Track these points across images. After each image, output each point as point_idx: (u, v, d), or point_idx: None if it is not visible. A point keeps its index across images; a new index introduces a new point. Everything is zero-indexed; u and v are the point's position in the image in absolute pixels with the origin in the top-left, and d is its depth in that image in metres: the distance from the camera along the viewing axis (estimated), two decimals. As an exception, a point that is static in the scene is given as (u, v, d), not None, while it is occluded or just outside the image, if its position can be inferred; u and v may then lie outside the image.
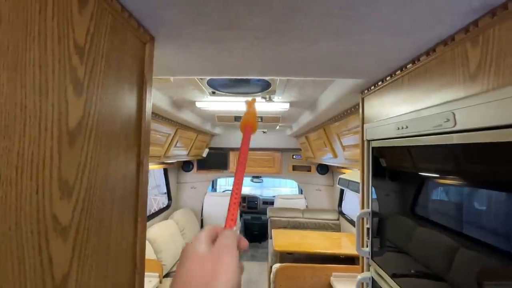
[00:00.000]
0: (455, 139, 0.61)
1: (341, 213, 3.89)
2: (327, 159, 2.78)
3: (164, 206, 4.03)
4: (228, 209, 0.38)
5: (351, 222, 3.39)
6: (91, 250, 0.48)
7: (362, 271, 1.17)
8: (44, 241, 0.37)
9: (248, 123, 0.49)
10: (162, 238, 2.96)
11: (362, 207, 1.19)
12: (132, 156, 0.64)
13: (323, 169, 4.35)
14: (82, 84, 0.44)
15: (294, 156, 4.46)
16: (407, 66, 0.83)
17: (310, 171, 4.45)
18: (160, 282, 2.33)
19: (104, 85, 0.50)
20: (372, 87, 1.10)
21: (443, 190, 0.72)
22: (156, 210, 3.81)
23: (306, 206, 4.47)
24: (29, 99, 0.35)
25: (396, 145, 0.89)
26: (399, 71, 0.88)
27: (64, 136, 0.41)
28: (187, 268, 0.31)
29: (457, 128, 0.60)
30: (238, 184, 0.40)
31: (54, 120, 0.39)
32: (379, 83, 1.03)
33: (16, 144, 0.33)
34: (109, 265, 0.54)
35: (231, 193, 0.40)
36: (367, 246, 1.11)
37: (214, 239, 0.34)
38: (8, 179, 0.32)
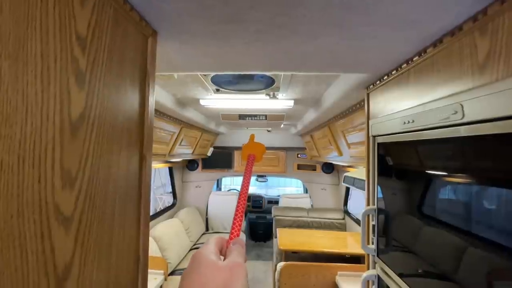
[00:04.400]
0: (463, 131, 0.60)
1: (346, 212, 3.86)
2: (332, 157, 2.76)
3: (170, 205, 4.05)
4: (233, 223, 0.43)
5: (357, 221, 3.35)
6: (94, 241, 0.48)
7: (368, 269, 1.16)
8: (47, 230, 0.38)
9: (252, 152, 0.56)
10: (167, 236, 2.98)
11: (368, 205, 1.17)
12: (135, 150, 0.64)
13: (329, 168, 4.32)
14: (84, 75, 0.44)
15: (299, 155, 4.45)
16: (413, 59, 0.82)
17: (315, 170, 4.42)
18: (165, 279, 2.35)
19: (106, 78, 0.51)
20: (378, 82, 1.08)
21: (451, 188, 0.70)
22: (162, 209, 3.83)
23: (311, 205, 4.45)
24: (30, 88, 0.35)
25: (402, 140, 0.87)
26: (405, 65, 0.87)
27: (66, 127, 0.41)
28: (204, 273, 0.34)
29: (465, 120, 0.59)
30: (242, 202, 0.46)
31: (56, 110, 0.39)
32: (385, 77, 1.02)
33: (18, 132, 0.33)
34: (112, 258, 0.54)
35: (236, 209, 0.45)
36: (372, 244, 1.10)
37: (221, 251, 0.39)
38: (10, 167, 0.32)
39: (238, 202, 0.46)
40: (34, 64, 0.36)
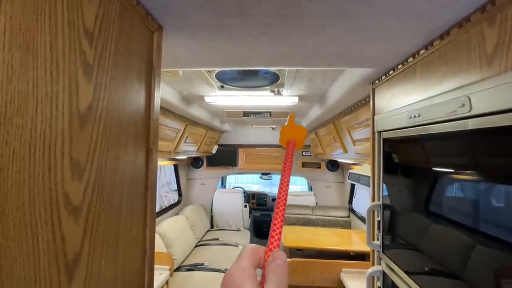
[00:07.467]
0: (470, 124, 0.59)
1: (351, 210, 3.84)
2: (337, 154, 2.74)
3: (175, 202, 4.09)
4: (272, 229, 0.34)
5: (362, 219, 3.34)
6: (102, 232, 0.49)
7: (373, 264, 1.15)
8: (57, 218, 0.39)
9: (292, 136, 0.46)
10: (173, 232, 3.01)
11: (373, 201, 1.17)
12: (141, 144, 0.65)
13: (333, 166, 4.30)
14: (91, 68, 0.45)
15: (303, 153, 4.43)
16: (420, 52, 0.80)
17: (320, 168, 4.41)
18: (171, 275, 2.37)
19: (113, 71, 0.51)
20: (383, 77, 1.07)
21: (457, 184, 0.69)
22: (167, 206, 3.87)
23: (316, 203, 4.44)
24: (40, 80, 0.36)
25: (408, 135, 0.86)
26: (411, 58, 0.86)
27: (74, 118, 0.42)
28: None
29: (472, 113, 0.58)
30: (283, 201, 0.35)
31: (65, 102, 0.40)
32: (390, 72, 1.01)
33: (28, 122, 0.34)
34: (119, 249, 0.55)
35: (275, 210, 0.35)
36: (378, 240, 1.09)
37: (258, 265, 0.32)
38: (21, 156, 0.33)
39: (278, 202, 0.35)
40: (43, 56, 0.36)
